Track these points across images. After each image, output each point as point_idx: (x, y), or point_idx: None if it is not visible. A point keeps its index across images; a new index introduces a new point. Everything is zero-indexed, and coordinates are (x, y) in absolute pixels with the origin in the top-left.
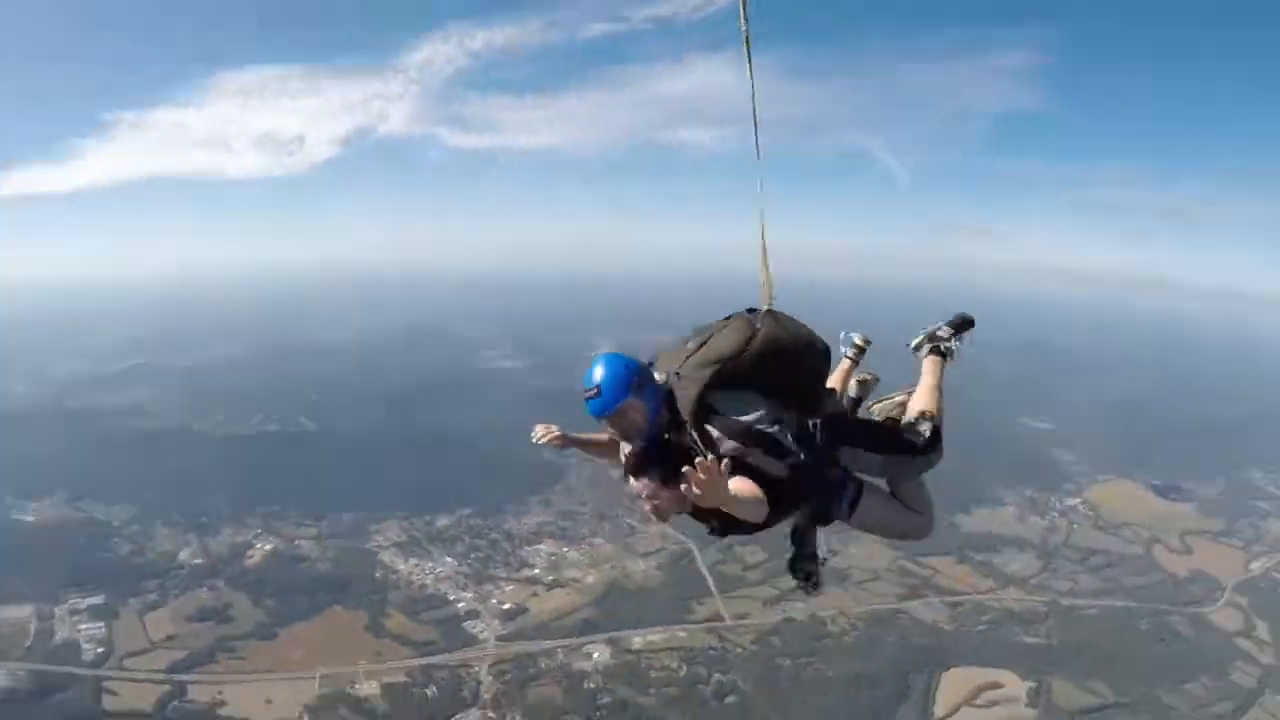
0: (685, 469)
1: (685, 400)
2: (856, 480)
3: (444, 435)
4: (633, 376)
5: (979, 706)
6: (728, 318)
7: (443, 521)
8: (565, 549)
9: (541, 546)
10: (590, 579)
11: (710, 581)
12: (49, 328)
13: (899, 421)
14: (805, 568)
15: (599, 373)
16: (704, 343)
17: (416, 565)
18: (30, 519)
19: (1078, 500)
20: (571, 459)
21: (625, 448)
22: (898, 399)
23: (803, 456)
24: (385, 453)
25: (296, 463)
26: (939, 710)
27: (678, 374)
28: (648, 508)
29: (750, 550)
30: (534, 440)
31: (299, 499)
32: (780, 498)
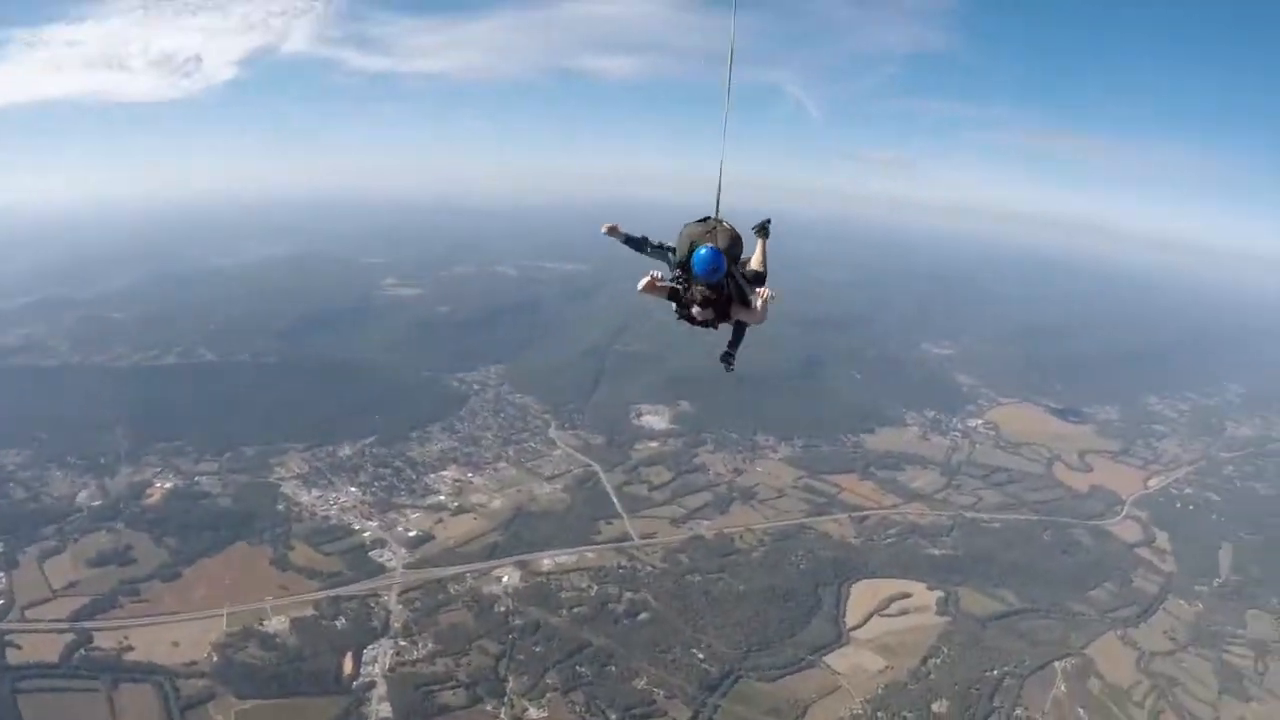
0: (764, 290)
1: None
2: None
3: (345, 364)
4: (723, 263)
5: (890, 615)
6: (706, 219)
7: (345, 451)
8: (470, 475)
9: (446, 473)
10: (496, 503)
11: (617, 502)
12: None
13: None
14: (730, 354)
15: (714, 261)
16: (715, 235)
17: (320, 496)
18: None
19: (979, 421)
20: (475, 385)
21: (658, 279)
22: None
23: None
24: (286, 383)
25: (196, 395)
26: (851, 620)
27: None
28: (702, 322)
29: (656, 471)
30: (639, 288)
31: (199, 433)
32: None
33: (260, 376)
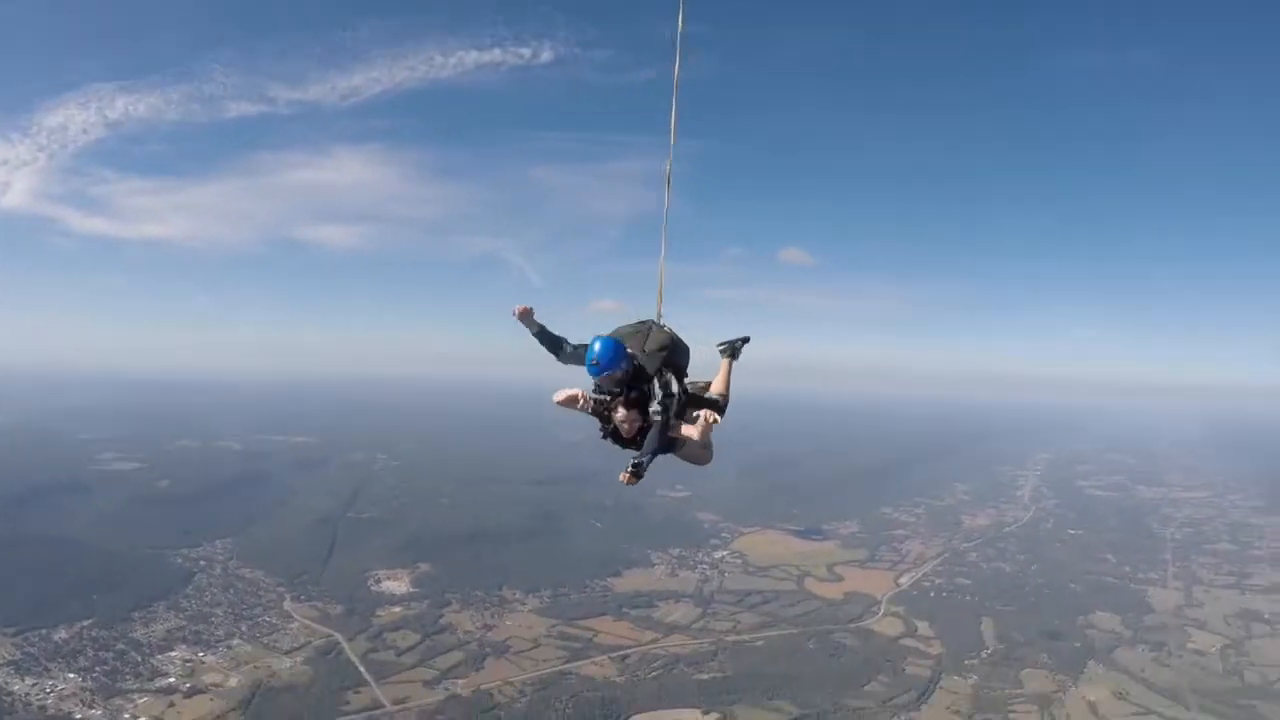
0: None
1: (650, 369)
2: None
3: (58, 541)
4: (620, 355)
5: None
6: (644, 322)
7: (60, 634)
8: (201, 654)
9: (175, 653)
10: (233, 682)
11: (363, 670)
12: None
13: (705, 392)
14: (641, 467)
15: (600, 351)
16: (647, 336)
17: (34, 684)
18: None
19: (725, 552)
20: (201, 561)
21: (583, 400)
22: (702, 383)
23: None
24: None
25: None
26: None
27: (643, 351)
28: (628, 427)
29: (401, 635)
30: (556, 400)
31: None
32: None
33: None
